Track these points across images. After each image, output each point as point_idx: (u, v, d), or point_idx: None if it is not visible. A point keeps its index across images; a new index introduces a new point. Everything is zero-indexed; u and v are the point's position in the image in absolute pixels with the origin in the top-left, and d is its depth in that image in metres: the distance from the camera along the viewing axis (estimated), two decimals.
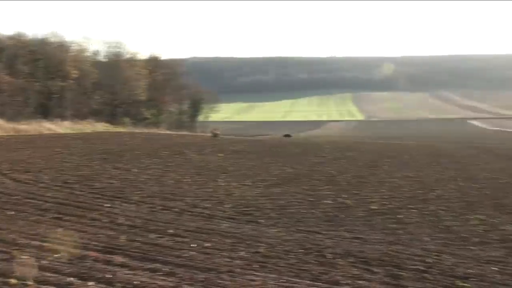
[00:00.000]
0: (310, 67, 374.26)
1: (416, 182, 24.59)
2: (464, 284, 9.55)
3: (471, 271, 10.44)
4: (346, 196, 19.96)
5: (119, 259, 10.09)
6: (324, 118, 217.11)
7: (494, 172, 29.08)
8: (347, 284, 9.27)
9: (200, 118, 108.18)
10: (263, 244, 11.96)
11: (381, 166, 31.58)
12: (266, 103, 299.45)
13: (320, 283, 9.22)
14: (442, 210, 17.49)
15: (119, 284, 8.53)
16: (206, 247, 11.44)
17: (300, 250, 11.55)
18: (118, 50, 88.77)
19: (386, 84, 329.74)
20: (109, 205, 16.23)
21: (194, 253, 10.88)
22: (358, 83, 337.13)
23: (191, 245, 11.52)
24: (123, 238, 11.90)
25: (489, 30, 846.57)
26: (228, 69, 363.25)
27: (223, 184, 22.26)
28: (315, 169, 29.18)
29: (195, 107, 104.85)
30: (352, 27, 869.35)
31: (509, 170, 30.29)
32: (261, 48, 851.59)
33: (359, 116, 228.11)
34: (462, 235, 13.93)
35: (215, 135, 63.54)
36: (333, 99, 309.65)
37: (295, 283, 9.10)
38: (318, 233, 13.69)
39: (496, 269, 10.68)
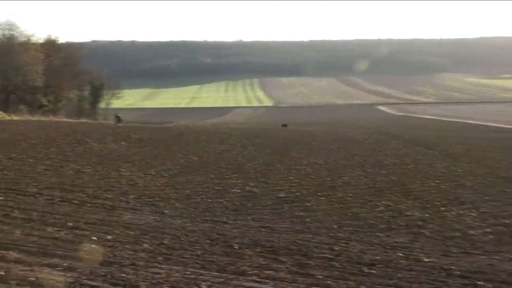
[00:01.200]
0: (216, 52, 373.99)
1: (324, 169, 25.12)
2: (370, 271, 9.84)
3: (378, 257, 10.79)
4: (253, 184, 20.16)
5: (13, 254, 9.77)
6: (232, 104, 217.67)
7: (401, 158, 30.08)
8: (254, 274, 9.35)
9: (102, 105, 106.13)
10: (168, 236, 11.91)
11: (289, 153, 32.02)
12: (172, 89, 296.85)
13: (227, 274, 9.27)
14: (350, 197, 17.96)
15: (13, 282, 8.26)
16: (108, 240, 11.28)
17: (207, 241, 11.57)
18: (10, 32, 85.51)
19: (294, 69, 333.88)
20: (1, 198, 15.66)
21: (95, 246, 10.70)
22: (265, 68, 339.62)
23: (92, 238, 11.33)
24: (18, 232, 11.53)
25: (396, 14, 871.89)
26: (131, 54, 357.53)
27: (126, 174, 21.98)
28: (222, 157, 29.26)
29: (96, 94, 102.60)
30: (259, 11, 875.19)
31: (416, 156, 31.40)
32: (166, 32, 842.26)
33: (267, 102, 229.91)
34: (369, 221, 14.36)
35: (118, 119, 62.45)
36: (240, 85, 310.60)
37: (201, 274, 9.12)
38: (225, 223, 13.76)
39: (402, 254, 11.08)
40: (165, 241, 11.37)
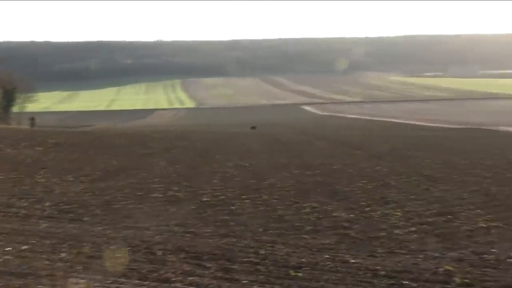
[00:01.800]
0: (136, 52, 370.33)
1: (249, 171, 25.23)
2: (297, 274, 9.94)
3: (304, 260, 10.90)
4: (177, 188, 20.05)
5: None
6: (152, 106, 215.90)
7: (327, 158, 30.53)
8: (178, 281, 9.31)
9: (15, 109, 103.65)
10: (87, 244, 11.72)
11: (214, 156, 32.03)
12: (90, 91, 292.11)
13: (149, 282, 9.19)
14: (275, 199, 18.08)
15: None
16: (23, 250, 11.00)
17: (128, 248, 11.45)
18: None
19: (217, 69, 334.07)
20: None
21: (9, 257, 10.42)
22: (187, 68, 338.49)
23: (6, 249, 11.02)
24: None
25: (320, 13, 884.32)
26: (45, 55, 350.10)
27: (42, 181, 21.49)
28: (143, 161, 29.00)
29: (8, 97, 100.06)
30: (179, 10, 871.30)
31: (342, 156, 31.94)
32: (82, 32, 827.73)
33: (190, 104, 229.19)
34: (295, 224, 14.49)
35: (32, 122, 60.96)
36: (161, 86, 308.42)
37: (122, 283, 9.01)
38: (147, 229, 13.63)
39: (328, 256, 11.23)
40: (84, 250, 11.18)
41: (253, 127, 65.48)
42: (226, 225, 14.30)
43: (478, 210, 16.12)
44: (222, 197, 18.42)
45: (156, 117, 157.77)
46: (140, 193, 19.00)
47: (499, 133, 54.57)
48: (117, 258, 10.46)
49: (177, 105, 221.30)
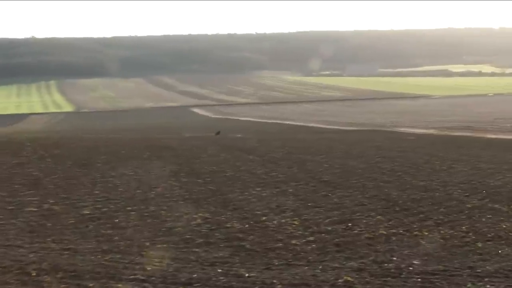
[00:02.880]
0: (5, 51, 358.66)
1: (135, 181, 25.00)
2: None
3: (195, 275, 10.93)
4: (53, 201, 19.63)
5: None
6: (25, 110, 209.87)
7: (219, 165, 30.64)
8: None
9: None
10: None
11: (95, 165, 31.52)
12: None
13: None
14: (164, 210, 18.01)
15: None
16: None
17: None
18: None
19: (97, 69, 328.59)
20: None
21: None
22: (64, 68, 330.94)
23: None
24: None
25: (209, 9, 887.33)
26: None
27: None
28: (14, 172, 28.20)
29: None
30: (52, 5, 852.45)
31: (235, 162, 32.11)
32: None
33: (67, 107, 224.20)
34: (185, 236, 14.49)
35: None
36: (35, 88, 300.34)
37: None
38: (20, 246, 13.29)
39: (221, 271, 11.31)
40: None
41: (218, 133, 63.83)
42: (109, 240, 14.13)
43: (379, 217, 16.67)
44: (105, 209, 18.19)
45: (30, 122, 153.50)
46: (11, 207, 18.49)
47: (398, 135, 56.45)
48: None
49: (53, 109, 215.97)
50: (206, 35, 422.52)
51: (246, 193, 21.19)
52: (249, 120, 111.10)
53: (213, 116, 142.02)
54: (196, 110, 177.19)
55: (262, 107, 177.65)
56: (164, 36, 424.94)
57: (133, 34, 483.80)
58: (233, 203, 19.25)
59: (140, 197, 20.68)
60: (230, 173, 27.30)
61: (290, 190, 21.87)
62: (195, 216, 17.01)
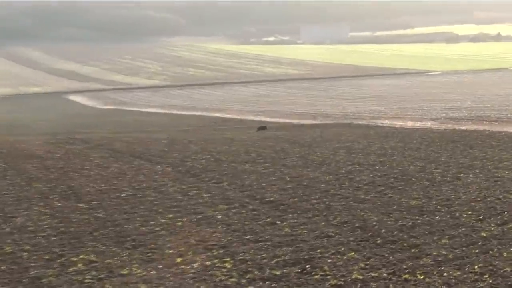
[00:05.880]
0: None
1: None
2: None
3: None
4: None
5: None
6: None
7: (110, 180, 30.40)
8: None
9: None
10: None
11: None
12: None
13: None
14: (26, 251, 17.88)
15: None
16: None
17: None
18: None
19: None
20: None
21: None
22: None
23: None
24: None
25: None
26: None
27: None
28: None
29: None
30: None
31: (133, 175, 31.88)
32: None
33: None
34: None
35: None
36: None
37: None
38: None
39: None
40: None
41: (263, 127, 62.43)
42: None
43: (352, 253, 16.87)
44: None
45: None
46: None
47: (379, 130, 56.80)
48: None
49: None
50: None
51: (152, 223, 21.14)
52: (156, 112, 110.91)
53: (102, 107, 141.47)
54: (74, 97, 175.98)
55: (175, 92, 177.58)
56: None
57: None
58: (132, 238, 19.17)
59: None
60: (128, 193, 27.15)
61: (219, 217, 21.89)
62: (74, 259, 16.90)
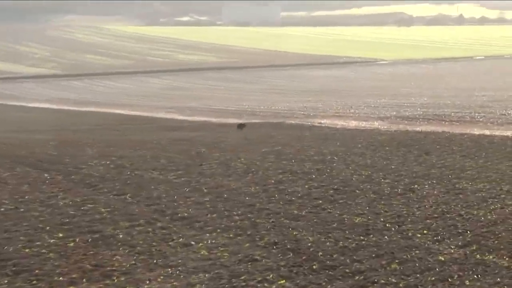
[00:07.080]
0: None
1: None
2: None
3: None
4: None
5: None
6: None
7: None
8: None
9: None
10: None
11: None
12: None
13: None
14: None
15: None
16: None
17: None
18: None
19: None
20: None
21: None
22: None
23: None
24: None
25: None
26: None
27: None
28: None
29: None
30: None
31: (16, 186, 31.68)
32: None
33: None
34: None
35: None
36: None
37: None
38: None
39: None
40: None
41: (241, 125, 62.11)
42: None
43: (282, 281, 16.86)
44: None
45: None
46: None
47: (316, 131, 57.14)
48: None
49: None
50: None
51: (38, 244, 21.02)
52: (43, 108, 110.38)
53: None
54: None
55: (68, 84, 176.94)
56: None
57: None
58: (13, 263, 19.05)
59: None
60: (8, 207, 26.97)
61: (120, 236, 21.83)
62: None
